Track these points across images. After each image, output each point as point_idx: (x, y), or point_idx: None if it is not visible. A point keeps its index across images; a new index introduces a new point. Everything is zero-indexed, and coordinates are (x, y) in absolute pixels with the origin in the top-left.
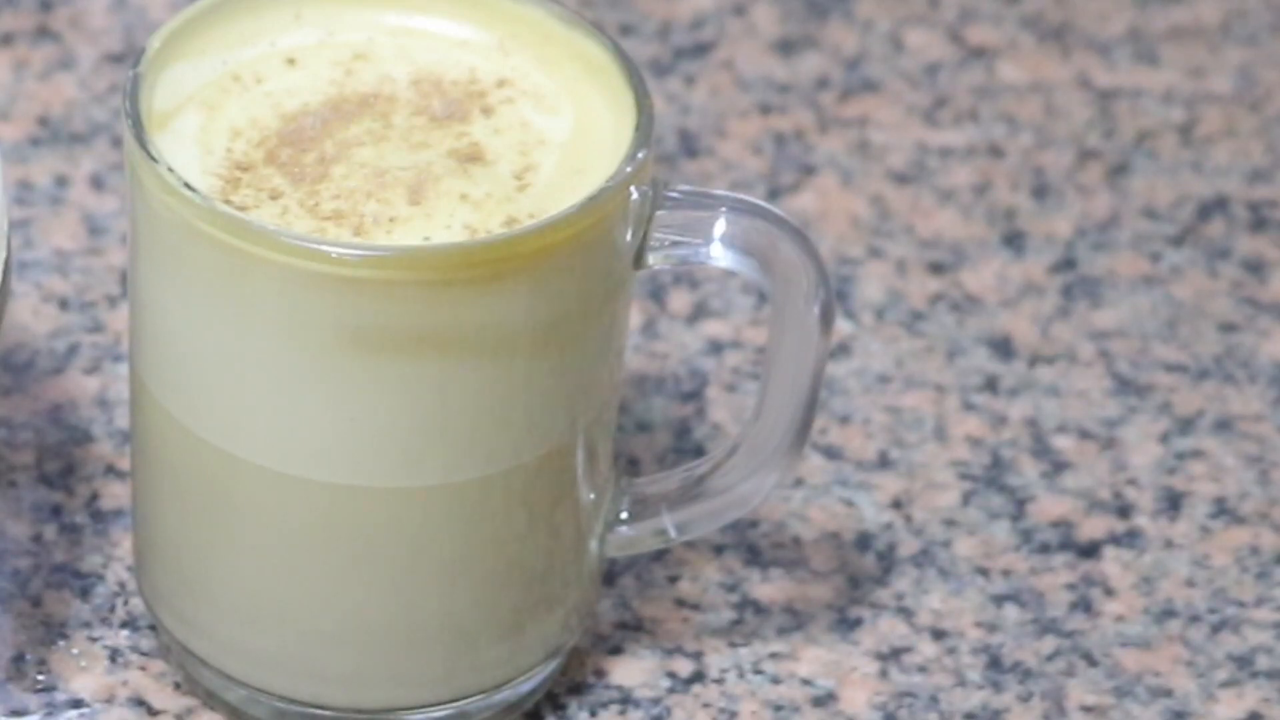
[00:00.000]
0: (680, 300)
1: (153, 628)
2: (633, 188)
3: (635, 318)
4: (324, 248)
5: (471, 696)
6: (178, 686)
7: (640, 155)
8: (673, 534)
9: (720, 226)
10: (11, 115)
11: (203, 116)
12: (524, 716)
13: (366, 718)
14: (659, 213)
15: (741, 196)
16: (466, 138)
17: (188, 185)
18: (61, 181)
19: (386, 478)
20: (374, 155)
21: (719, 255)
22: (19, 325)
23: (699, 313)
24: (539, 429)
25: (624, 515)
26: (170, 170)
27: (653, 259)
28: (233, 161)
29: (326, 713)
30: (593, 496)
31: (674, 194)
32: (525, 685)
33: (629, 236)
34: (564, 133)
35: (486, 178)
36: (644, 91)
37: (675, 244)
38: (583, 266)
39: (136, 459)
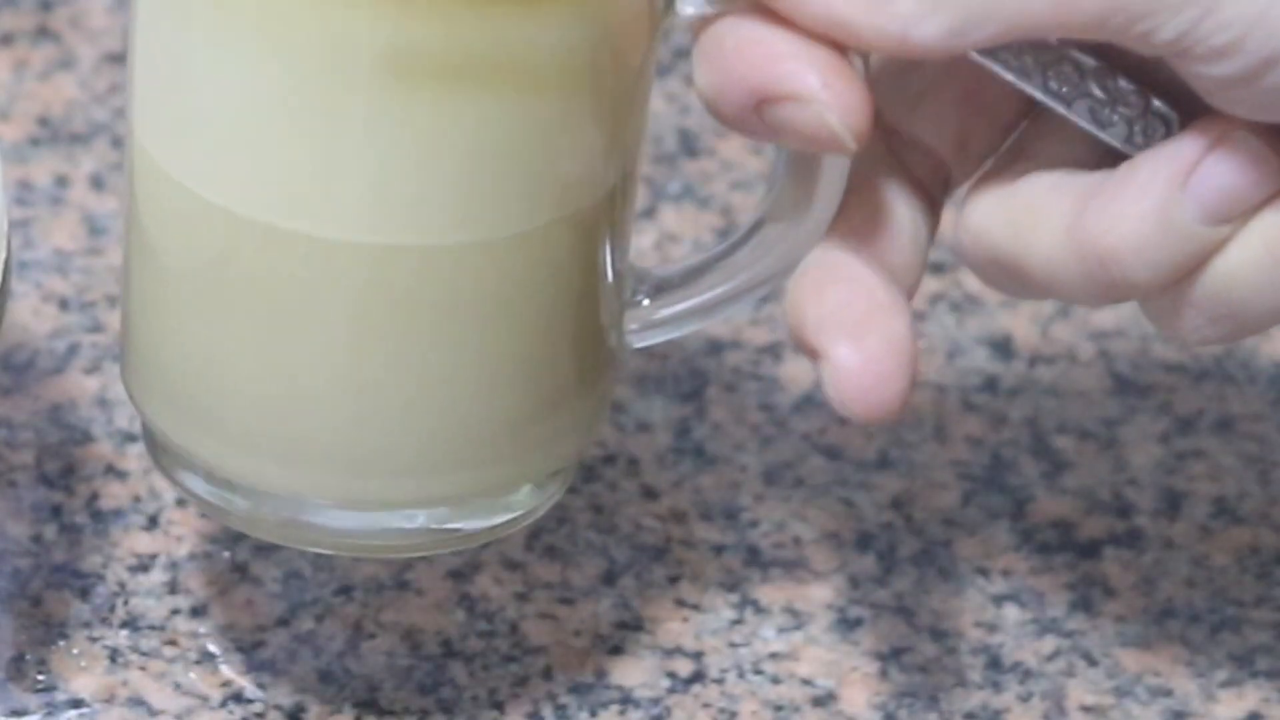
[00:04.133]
0: None
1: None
2: None
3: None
4: None
5: (488, 494)
6: (178, 686)
7: None
8: (693, 320)
9: None
10: (11, 115)
11: None
12: (525, 717)
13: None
14: None
15: None
16: None
17: None
18: (61, 181)
19: (415, 234)
20: None
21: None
22: (19, 325)
23: None
24: (581, 178)
25: (645, 302)
26: None
27: (679, 2)
28: None
29: (336, 523)
30: (613, 282)
31: None
32: (542, 495)
33: None
34: None
35: None
36: None
37: None
38: None
39: (132, 238)
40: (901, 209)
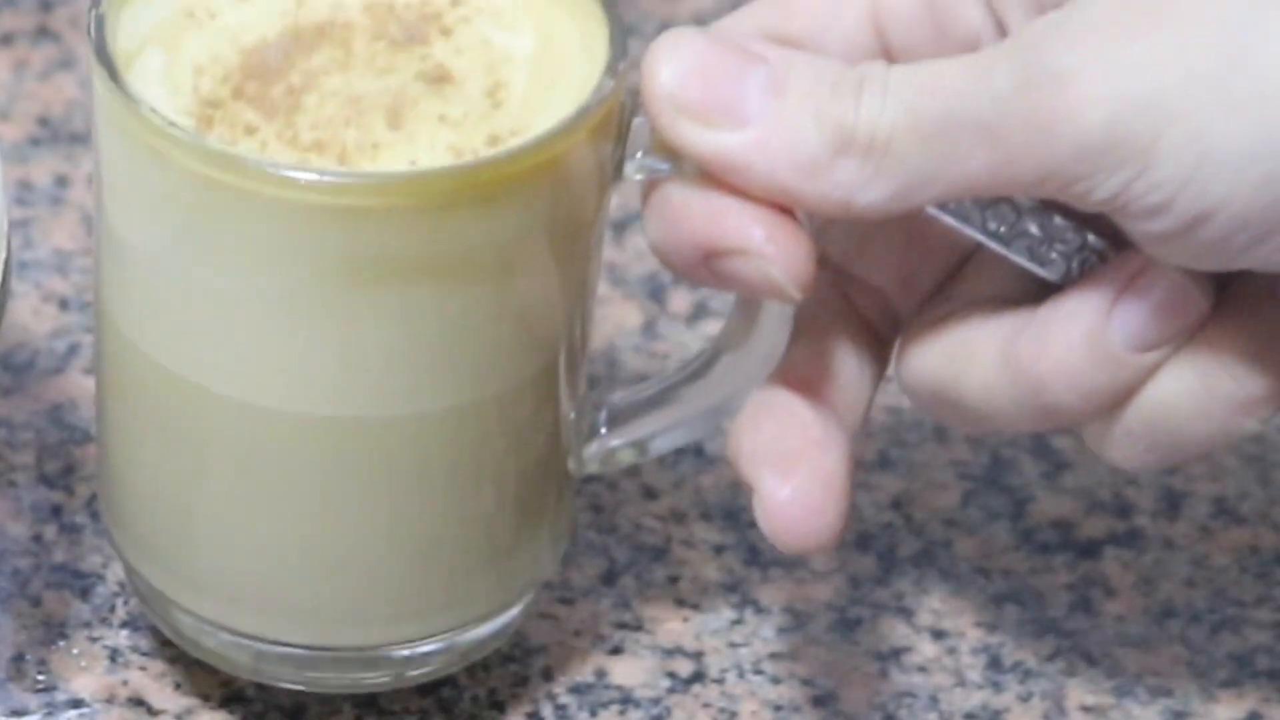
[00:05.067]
0: (680, 300)
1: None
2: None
3: (635, 317)
4: (328, 179)
5: (459, 628)
6: (178, 686)
7: (621, 66)
8: (651, 445)
9: None
10: (11, 115)
11: (164, 55)
12: (525, 717)
13: (352, 655)
14: (635, 121)
15: None
16: (430, 59)
17: (173, 124)
18: (61, 181)
19: (382, 408)
20: (343, 83)
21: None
22: (19, 325)
23: (699, 313)
24: (540, 342)
25: (602, 431)
26: (154, 111)
27: (628, 169)
28: (201, 99)
29: (311, 652)
30: (573, 415)
31: None
32: (512, 612)
33: (612, 148)
34: (528, 48)
35: (460, 98)
36: (610, 1)
37: (647, 154)
38: (576, 178)
39: (105, 400)
40: (846, 349)
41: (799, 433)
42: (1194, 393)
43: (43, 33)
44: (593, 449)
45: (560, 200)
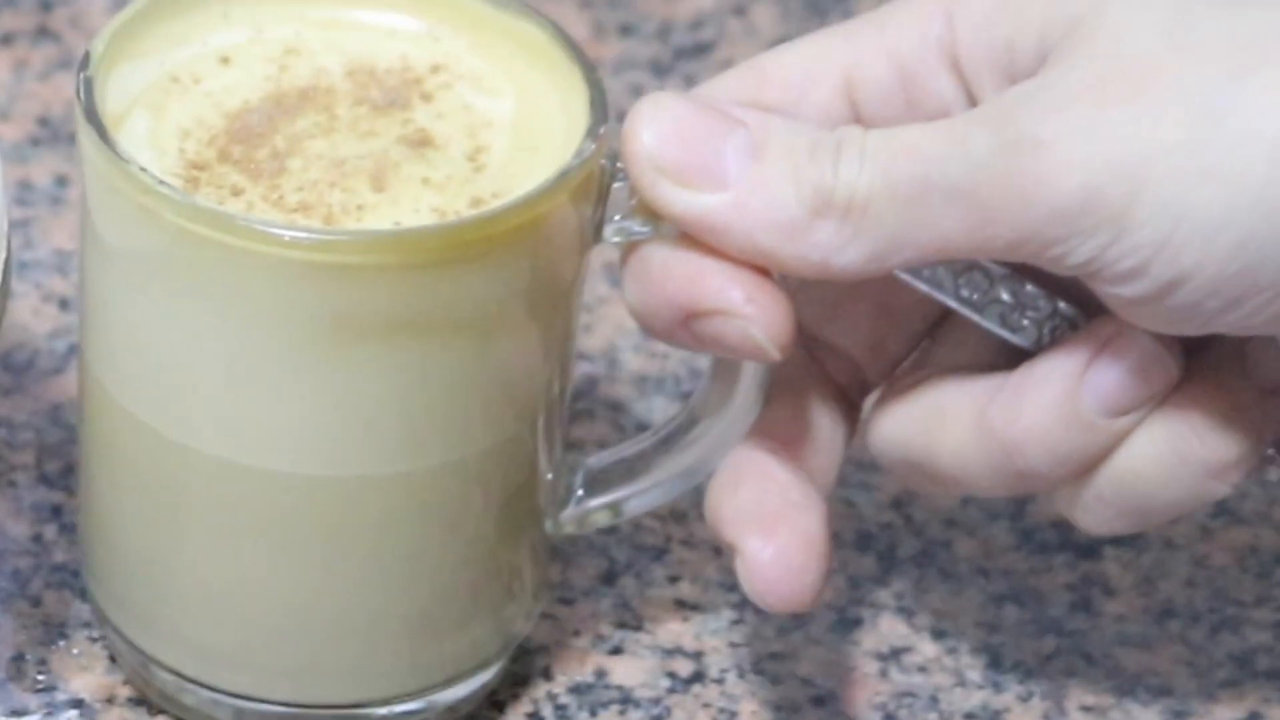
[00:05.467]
0: None
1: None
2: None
3: None
4: (314, 236)
5: (437, 687)
6: None
7: (601, 130)
8: (626, 507)
9: None
10: (11, 115)
11: (150, 118)
12: (525, 717)
13: (332, 713)
14: (615, 185)
15: None
16: (413, 124)
17: (162, 183)
18: (61, 181)
19: (365, 466)
20: (327, 147)
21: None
22: (19, 325)
23: None
24: (519, 402)
25: (579, 493)
26: (142, 170)
27: (608, 232)
28: (187, 161)
29: (291, 710)
30: (550, 476)
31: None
32: (490, 672)
33: (591, 210)
34: (508, 113)
35: (443, 161)
36: (589, 66)
37: (626, 217)
38: (557, 240)
39: (89, 458)
40: (819, 412)
41: (777, 494)
42: (1164, 457)
43: (43, 33)
44: (569, 511)
45: (541, 261)
